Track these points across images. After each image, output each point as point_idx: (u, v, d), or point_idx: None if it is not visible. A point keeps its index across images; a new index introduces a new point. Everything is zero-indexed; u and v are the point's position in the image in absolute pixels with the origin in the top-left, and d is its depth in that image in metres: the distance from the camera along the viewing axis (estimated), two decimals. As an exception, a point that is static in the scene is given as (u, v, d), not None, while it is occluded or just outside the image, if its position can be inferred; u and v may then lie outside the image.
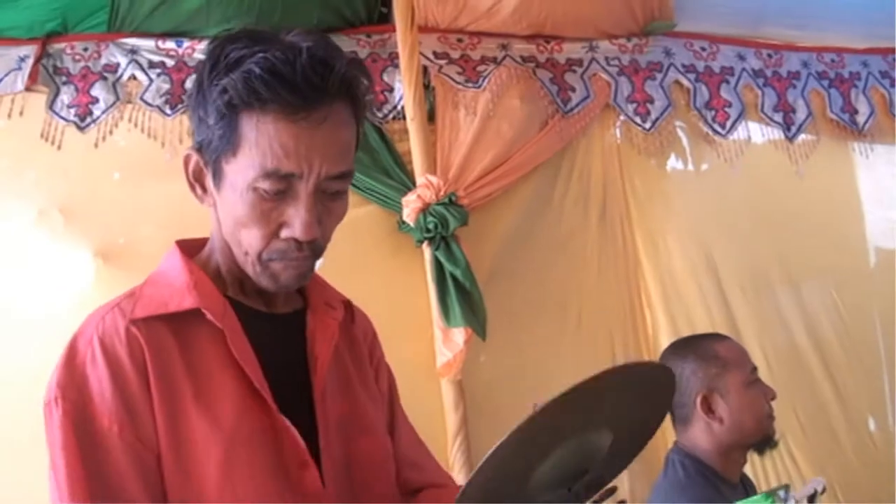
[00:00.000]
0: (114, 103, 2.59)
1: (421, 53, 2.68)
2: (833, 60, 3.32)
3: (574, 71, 2.97)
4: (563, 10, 2.90)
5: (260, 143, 1.03)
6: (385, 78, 2.72)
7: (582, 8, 2.95)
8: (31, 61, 2.55)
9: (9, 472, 2.30)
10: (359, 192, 2.57)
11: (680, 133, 3.09)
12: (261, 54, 1.01)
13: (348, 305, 1.33)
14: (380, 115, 2.67)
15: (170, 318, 1.09)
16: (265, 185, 1.04)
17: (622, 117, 3.01)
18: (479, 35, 2.89)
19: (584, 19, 2.98)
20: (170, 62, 2.64)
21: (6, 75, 2.54)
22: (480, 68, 2.83)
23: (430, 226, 2.51)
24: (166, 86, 2.62)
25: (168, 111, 2.60)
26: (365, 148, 2.57)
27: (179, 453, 1.04)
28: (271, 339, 1.16)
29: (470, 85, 2.79)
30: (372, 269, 2.59)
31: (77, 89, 2.59)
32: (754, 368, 1.98)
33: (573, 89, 2.93)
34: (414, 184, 2.59)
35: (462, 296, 2.50)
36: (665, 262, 2.97)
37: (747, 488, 2.00)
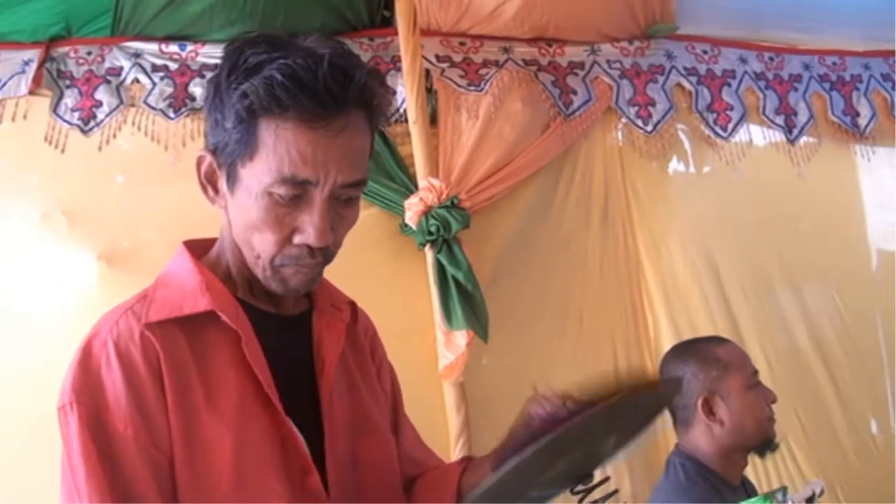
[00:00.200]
0: (117, 107, 2.60)
1: (423, 57, 2.69)
2: (834, 63, 3.32)
3: (576, 74, 2.97)
4: (565, 14, 2.90)
5: (278, 149, 1.04)
6: (388, 81, 2.73)
7: (584, 11, 2.95)
8: (34, 65, 2.56)
9: (23, 481, 2.30)
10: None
11: (681, 136, 3.09)
12: (282, 60, 1.02)
13: (353, 307, 1.34)
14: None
15: (183, 320, 1.10)
16: (280, 190, 1.05)
17: (624, 120, 3.02)
18: (481, 38, 2.89)
19: (585, 22, 2.98)
20: (173, 66, 2.65)
21: (10, 79, 2.55)
22: (482, 71, 2.83)
23: (433, 229, 2.51)
24: (170, 89, 2.62)
25: (171, 115, 2.60)
26: (367, 151, 2.57)
27: (193, 455, 1.04)
28: (280, 340, 1.16)
29: (472, 88, 2.79)
30: (374, 271, 2.60)
31: (81, 93, 2.59)
32: (755, 372, 1.99)
33: (575, 92, 2.94)
34: (416, 187, 2.59)
35: (464, 298, 2.50)
36: (667, 264, 2.97)
37: (748, 490, 2.01)
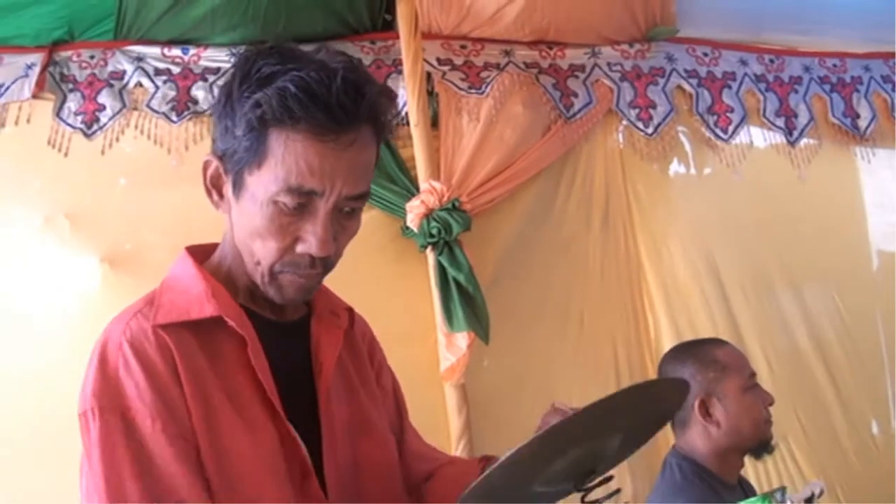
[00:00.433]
0: (120, 110, 2.61)
1: (424, 60, 2.71)
2: (835, 65, 3.33)
3: (577, 77, 2.98)
4: (566, 17, 2.90)
5: (286, 160, 1.05)
6: (389, 84, 2.73)
7: (584, 14, 2.95)
8: (37, 69, 2.57)
9: (23, 481, 2.31)
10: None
11: (682, 138, 3.10)
12: (295, 73, 1.03)
13: (350, 312, 1.36)
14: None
15: (190, 324, 1.11)
16: (286, 199, 1.07)
17: (624, 122, 3.02)
18: (482, 41, 2.90)
19: (586, 25, 2.99)
20: (176, 69, 2.66)
21: (13, 83, 2.56)
22: (483, 74, 2.84)
23: (434, 231, 2.52)
24: (172, 93, 2.64)
25: (174, 118, 2.62)
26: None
27: (216, 449, 1.06)
28: (280, 346, 1.18)
29: (473, 91, 2.80)
30: (375, 274, 2.60)
31: (84, 96, 2.61)
32: (753, 374, 2.00)
33: (576, 95, 2.95)
34: (417, 189, 2.61)
35: (465, 300, 2.51)
36: (667, 266, 2.98)
37: (746, 490, 2.01)
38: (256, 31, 2.60)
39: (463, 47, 2.88)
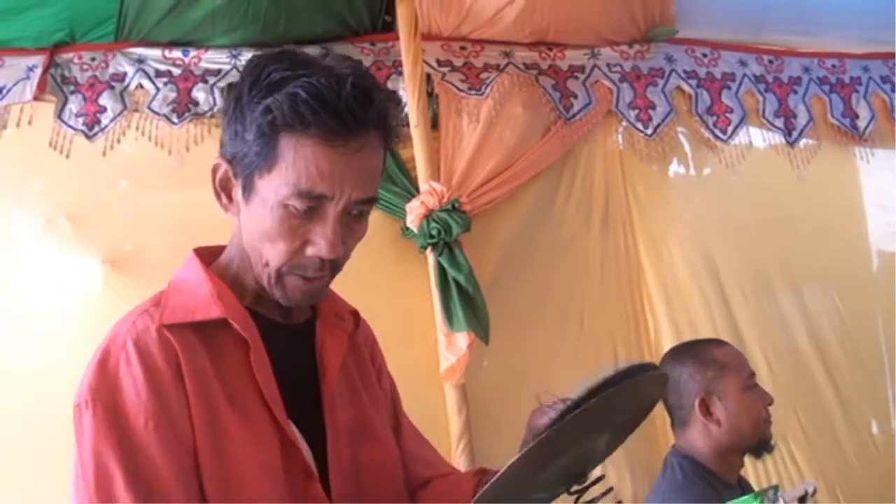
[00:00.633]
0: (121, 112, 2.62)
1: (424, 61, 2.71)
2: (834, 66, 3.34)
3: (576, 78, 2.99)
4: (566, 18, 2.91)
5: (297, 164, 1.06)
6: (389, 86, 2.74)
7: (584, 15, 2.96)
8: (39, 71, 2.58)
9: (23, 481, 2.32)
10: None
11: (682, 139, 3.11)
12: (305, 78, 1.04)
13: (356, 315, 1.37)
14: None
15: (196, 325, 1.12)
16: (296, 203, 1.08)
17: (624, 123, 3.03)
18: (481, 43, 2.91)
19: (586, 26, 3.00)
20: (176, 71, 2.67)
21: (15, 85, 2.57)
22: (483, 76, 2.85)
23: (434, 232, 2.53)
24: (173, 94, 2.64)
25: (175, 120, 2.62)
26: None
27: (218, 450, 1.06)
28: (285, 348, 1.19)
29: (473, 92, 2.81)
30: (375, 274, 2.60)
31: (85, 98, 2.62)
32: (752, 374, 2.00)
33: (575, 96, 2.95)
34: (417, 190, 2.61)
35: (465, 301, 2.52)
36: (667, 266, 2.99)
37: (745, 490, 2.02)
38: (256, 33, 2.60)
39: (463, 48, 2.89)
